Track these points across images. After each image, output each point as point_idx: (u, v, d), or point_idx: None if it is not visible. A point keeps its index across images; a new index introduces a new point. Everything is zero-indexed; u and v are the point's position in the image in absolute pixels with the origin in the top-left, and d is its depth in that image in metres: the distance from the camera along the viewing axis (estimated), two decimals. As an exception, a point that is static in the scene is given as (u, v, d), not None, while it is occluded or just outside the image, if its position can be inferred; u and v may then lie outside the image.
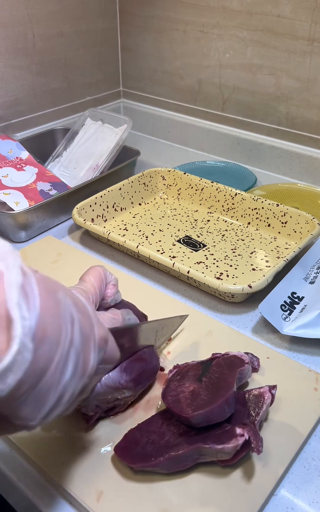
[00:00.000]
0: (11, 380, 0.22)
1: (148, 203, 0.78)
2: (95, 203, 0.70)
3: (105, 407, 0.42)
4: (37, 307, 0.24)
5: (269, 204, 0.69)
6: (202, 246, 0.67)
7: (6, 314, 0.22)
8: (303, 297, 0.55)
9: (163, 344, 0.50)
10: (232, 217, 0.73)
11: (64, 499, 0.38)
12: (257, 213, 0.70)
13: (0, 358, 0.22)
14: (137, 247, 0.60)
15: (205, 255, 0.65)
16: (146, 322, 0.43)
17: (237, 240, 0.68)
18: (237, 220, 0.72)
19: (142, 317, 0.48)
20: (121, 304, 0.45)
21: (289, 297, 0.55)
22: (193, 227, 0.71)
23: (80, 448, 0.40)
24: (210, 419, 0.38)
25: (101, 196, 0.71)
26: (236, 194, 0.73)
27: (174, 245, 0.67)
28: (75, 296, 0.28)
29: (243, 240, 0.68)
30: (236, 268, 0.62)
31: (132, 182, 0.76)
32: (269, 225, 0.69)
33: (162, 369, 0.48)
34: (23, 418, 0.25)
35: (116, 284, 0.44)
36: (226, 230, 0.71)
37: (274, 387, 0.42)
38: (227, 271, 0.62)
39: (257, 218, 0.71)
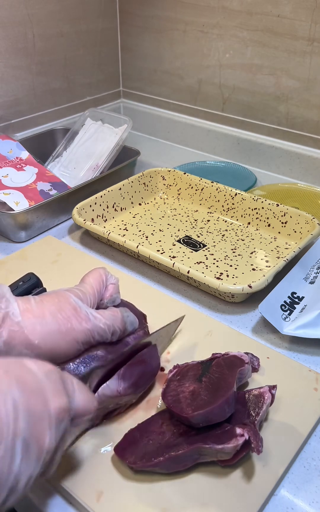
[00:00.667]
0: None
1: (148, 203, 0.78)
2: (95, 203, 0.70)
3: (105, 412, 0.42)
4: None
5: (269, 204, 0.69)
6: (202, 246, 0.67)
7: None
8: (303, 297, 0.55)
9: (164, 349, 0.50)
10: (232, 217, 0.73)
11: (64, 499, 0.38)
12: (257, 213, 0.70)
13: None
14: (137, 247, 0.60)
15: (205, 255, 0.65)
16: (139, 339, 0.43)
17: (237, 240, 0.68)
18: (237, 220, 0.72)
19: (141, 316, 0.48)
20: (120, 304, 0.45)
21: (289, 297, 0.55)
22: (193, 227, 0.71)
23: (80, 448, 0.40)
24: (210, 419, 0.38)
25: (101, 196, 0.71)
26: (236, 194, 0.73)
27: (174, 245, 0.67)
28: (22, 372, 0.27)
29: (243, 240, 0.68)
30: (236, 268, 0.62)
31: (132, 182, 0.76)
32: (269, 225, 0.69)
33: (162, 369, 0.48)
34: None
35: (115, 284, 0.44)
36: (226, 230, 0.71)
37: (274, 387, 0.42)
38: (227, 271, 0.62)
39: (257, 218, 0.71)
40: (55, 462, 0.29)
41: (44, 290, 0.52)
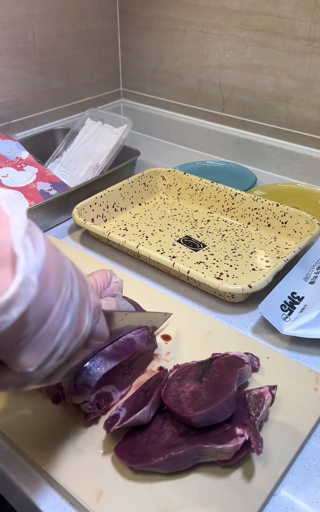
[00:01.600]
0: (14, 312, 0.23)
1: (148, 203, 0.78)
2: (95, 203, 0.70)
3: (103, 403, 0.42)
4: (43, 250, 0.25)
5: (269, 204, 0.69)
6: (202, 246, 0.67)
7: (12, 252, 0.24)
8: (303, 297, 0.55)
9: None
10: (232, 217, 0.73)
11: (64, 498, 0.38)
12: (257, 213, 0.70)
13: (5, 292, 0.23)
14: (137, 247, 0.60)
15: (205, 255, 0.65)
16: (133, 312, 0.44)
17: (237, 240, 0.68)
18: (237, 220, 0.72)
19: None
20: (126, 304, 0.46)
21: (289, 297, 0.55)
22: (193, 227, 0.71)
23: (81, 448, 0.40)
24: (211, 419, 0.38)
25: (101, 196, 0.71)
26: (236, 194, 0.73)
27: (174, 245, 0.67)
28: (73, 263, 0.30)
29: (243, 240, 0.68)
30: (236, 268, 0.62)
31: (132, 182, 0.76)
32: (269, 225, 0.69)
33: (161, 368, 0.48)
34: (21, 364, 0.26)
35: (118, 282, 0.45)
36: (226, 230, 0.71)
37: (274, 387, 0.42)
38: (227, 271, 0.62)
39: (257, 218, 0.71)
40: (62, 370, 0.30)
41: None
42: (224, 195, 0.74)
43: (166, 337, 0.51)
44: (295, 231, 0.67)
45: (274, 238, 0.68)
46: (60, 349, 0.27)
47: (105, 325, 0.33)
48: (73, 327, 0.28)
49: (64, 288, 0.27)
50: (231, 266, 0.63)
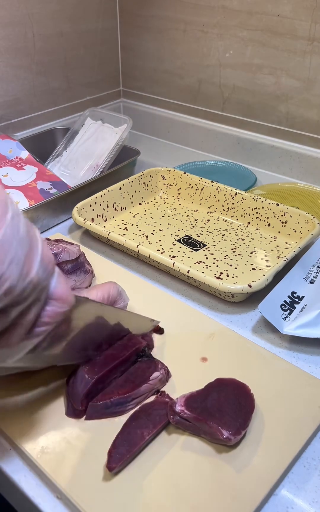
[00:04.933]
0: None
1: (148, 203, 0.78)
2: (95, 203, 0.70)
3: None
4: None
5: (269, 203, 0.69)
6: (202, 245, 0.67)
7: None
8: (303, 297, 0.55)
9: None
10: (232, 216, 0.73)
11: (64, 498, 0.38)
12: (257, 212, 0.70)
13: None
14: (137, 247, 0.60)
15: (205, 255, 0.65)
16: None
17: (237, 239, 0.68)
18: (237, 219, 0.72)
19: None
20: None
21: (289, 296, 0.55)
22: (193, 226, 0.71)
23: (81, 448, 0.40)
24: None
25: (101, 196, 0.71)
26: (236, 194, 0.73)
27: (174, 244, 0.67)
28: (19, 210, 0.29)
29: (243, 239, 0.68)
30: (236, 268, 0.62)
31: (132, 181, 0.76)
32: (269, 225, 0.69)
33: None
34: None
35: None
36: (226, 229, 0.71)
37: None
38: (227, 270, 0.62)
39: (257, 218, 0.71)
40: (20, 329, 0.30)
41: None
42: (224, 195, 0.74)
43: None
44: (295, 231, 0.67)
45: (274, 238, 0.68)
46: (5, 286, 0.26)
47: (66, 287, 0.32)
48: (17, 266, 0.27)
49: (9, 215, 0.26)
50: (231, 265, 0.63)
